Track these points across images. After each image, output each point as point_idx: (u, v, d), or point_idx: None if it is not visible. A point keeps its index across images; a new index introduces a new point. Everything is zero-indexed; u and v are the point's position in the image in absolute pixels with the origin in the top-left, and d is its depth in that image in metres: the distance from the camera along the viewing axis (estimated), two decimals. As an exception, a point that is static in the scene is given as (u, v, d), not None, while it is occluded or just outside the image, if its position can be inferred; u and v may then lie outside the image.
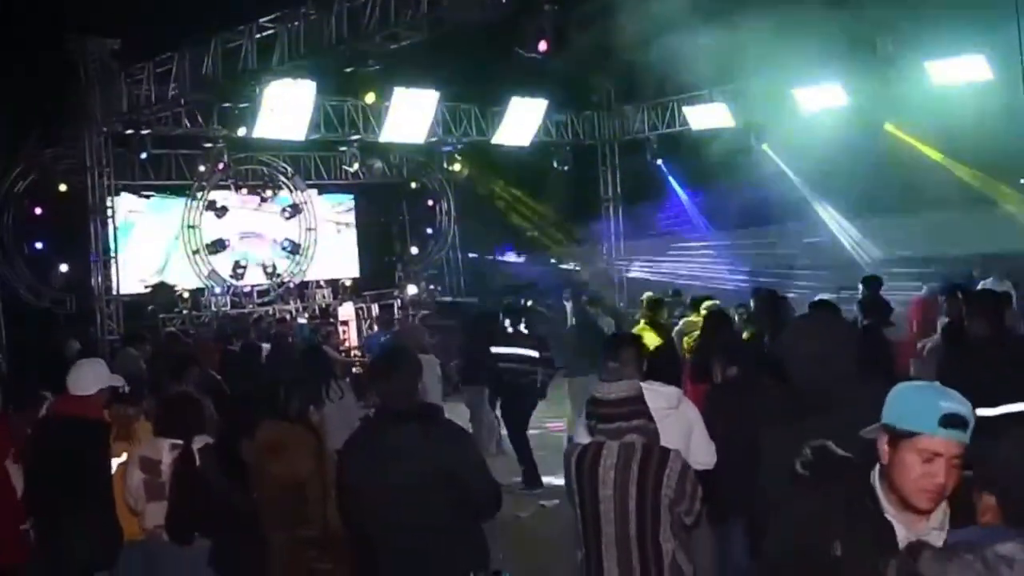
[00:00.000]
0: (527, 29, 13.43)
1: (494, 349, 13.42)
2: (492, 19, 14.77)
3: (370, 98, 16.80)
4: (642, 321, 12.92)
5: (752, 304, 12.54)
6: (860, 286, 14.00)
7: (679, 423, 6.34)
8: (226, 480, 6.38)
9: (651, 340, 12.06)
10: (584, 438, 5.52)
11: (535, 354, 13.40)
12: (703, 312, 12.09)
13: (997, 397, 6.23)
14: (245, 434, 6.44)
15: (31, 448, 7.40)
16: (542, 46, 13.49)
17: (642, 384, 5.78)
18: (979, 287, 17.29)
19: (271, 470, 6.19)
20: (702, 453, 6.44)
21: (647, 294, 14.46)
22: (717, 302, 13.35)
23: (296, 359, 11.15)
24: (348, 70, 16.50)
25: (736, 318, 12.20)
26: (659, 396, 6.06)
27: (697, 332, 11.03)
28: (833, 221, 25.20)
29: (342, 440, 6.80)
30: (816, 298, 10.39)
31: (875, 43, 18.77)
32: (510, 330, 13.68)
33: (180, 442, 6.57)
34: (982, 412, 6.50)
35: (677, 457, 5.25)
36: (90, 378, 7.37)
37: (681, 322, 13.04)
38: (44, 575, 7.39)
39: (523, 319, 13.88)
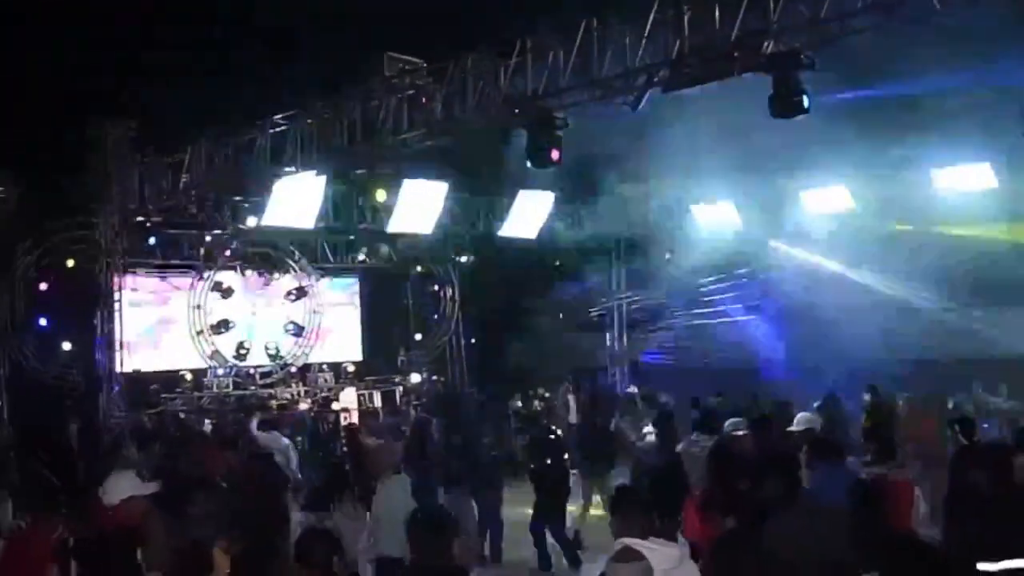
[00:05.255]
0: (539, 141, 13.55)
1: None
2: (504, 128, 15.04)
3: (381, 195, 16.90)
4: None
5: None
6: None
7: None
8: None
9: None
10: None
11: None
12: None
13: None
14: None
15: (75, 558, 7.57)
16: (554, 155, 13.63)
17: (643, 542, 5.84)
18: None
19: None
20: (702, 614, 6.45)
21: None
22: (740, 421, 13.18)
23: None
24: (359, 172, 16.68)
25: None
26: (660, 556, 6.06)
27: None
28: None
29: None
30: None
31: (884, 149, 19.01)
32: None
33: None
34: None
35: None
36: (118, 488, 7.70)
37: (684, 442, 12.70)
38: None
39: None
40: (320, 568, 6.24)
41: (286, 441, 15.39)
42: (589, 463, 15.89)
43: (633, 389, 22.93)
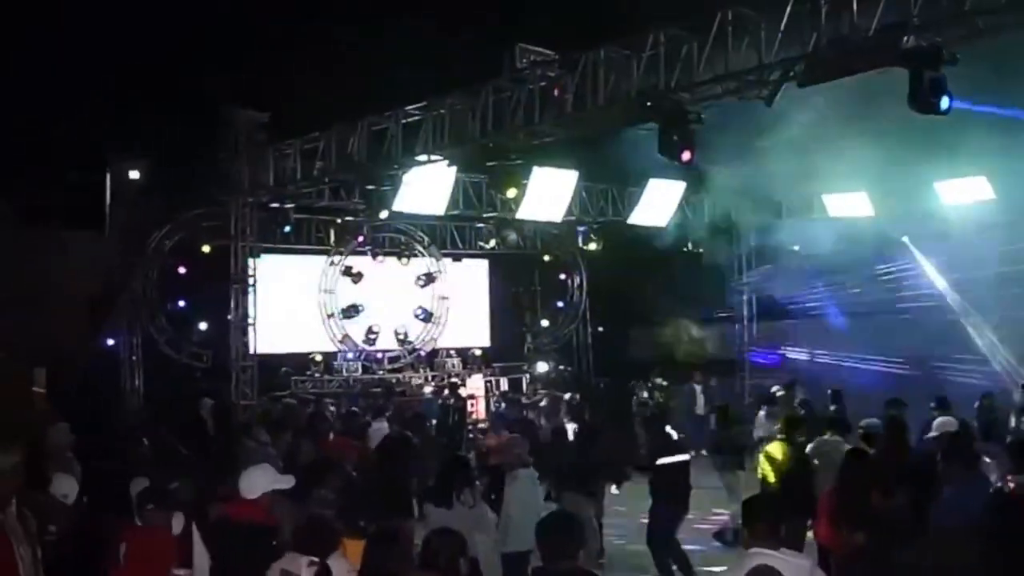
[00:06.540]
0: (671, 137, 13.41)
1: (661, 461, 13.10)
2: (635, 125, 14.93)
3: (511, 192, 16.86)
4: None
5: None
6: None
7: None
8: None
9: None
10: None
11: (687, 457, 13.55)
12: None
13: None
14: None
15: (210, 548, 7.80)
16: (685, 156, 13.49)
17: (773, 553, 5.81)
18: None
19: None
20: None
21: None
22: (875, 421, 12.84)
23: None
24: (490, 164, 16.70)
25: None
26: (792, 568, 6.01)
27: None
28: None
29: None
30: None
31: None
32: (675, 436, 13.55)
33: (317, 560, 6.75)
34: None
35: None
36: (257, 483, 7.95)
37: (816, 442, 12.48)
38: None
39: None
40: (446, 572, 6.33)
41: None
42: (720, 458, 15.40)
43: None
